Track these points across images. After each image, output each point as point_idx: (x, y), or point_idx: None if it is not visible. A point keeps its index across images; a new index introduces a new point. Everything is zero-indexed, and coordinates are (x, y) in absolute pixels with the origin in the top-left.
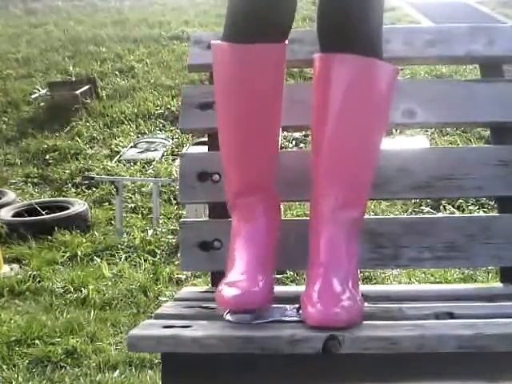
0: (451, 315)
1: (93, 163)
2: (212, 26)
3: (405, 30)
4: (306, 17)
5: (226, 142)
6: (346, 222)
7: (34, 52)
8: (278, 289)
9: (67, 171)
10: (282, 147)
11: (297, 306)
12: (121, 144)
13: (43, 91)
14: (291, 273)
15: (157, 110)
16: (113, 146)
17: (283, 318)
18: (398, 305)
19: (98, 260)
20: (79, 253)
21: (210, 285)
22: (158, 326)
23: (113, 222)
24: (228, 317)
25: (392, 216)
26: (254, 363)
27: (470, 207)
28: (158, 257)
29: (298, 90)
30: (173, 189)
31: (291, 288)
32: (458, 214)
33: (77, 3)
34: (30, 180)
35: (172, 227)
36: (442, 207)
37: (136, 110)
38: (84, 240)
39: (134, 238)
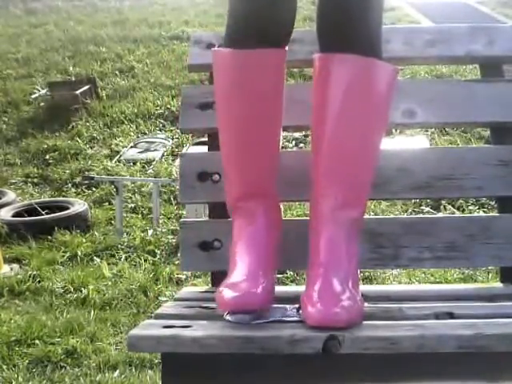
0: (451, 315)
1: (93, 163)
2: (212, 26)
3: (405, 30)
4: (306, 17)
5: (226, 144)
6: (345, 222)
7: (34, 52)
8: (278, 289)
9: (67, 171)
10: (282, 147)
11: (297, 306)
12: (121, 144)
13: (43, 91)
14: (291, 273)
15: (157, 109)
16: (113, 146)
17: (283, 318)
18: (397, 305)
19: (98, 260)
20: (79, 253)
21: (210, 285)
22: (158, 326)
23: (113, 222)
24: (228, 317)
25: (392, 216)
26: (254, 363)
27: (470, 207)
28: (158, 257)
29: (298, 89)
30: (173, 189)
31: (291, 288)
32: (458, 214)
33: (77, 3)
34: (30, 180)
35: (172, 227)
36: (442, 207)
37: (136, 110)
38: (84, 240)
39: (134, 238)
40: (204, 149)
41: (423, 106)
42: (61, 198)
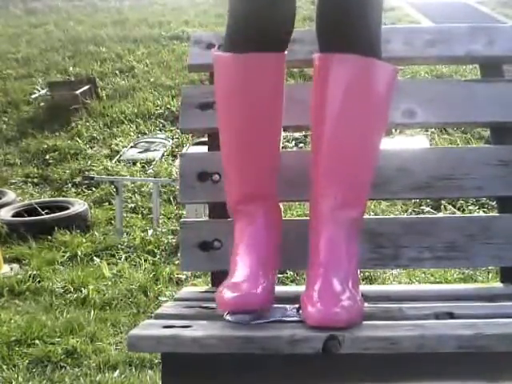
0: (451, 315)
1: (93, 163)
2: (212, 26)
3: (405, 30)
4: (305, 17)
5: (226, 144)
6: (345, 222)
7: (34, 52)
8: (278, 289)
9: (67, 171)
10: (282, 147)
11: (297, 306)
12: (121, 144)
13: (43, 91)
14: (291, 273)
15: (157, 109)
16: (113, 146)
17: (283, 318)
18: (397, 305)
19: (98, 260)
20: (79, 253)
21: (210, 285)
22: (158, 326)
23: (113, 221)
24: (228, 317)
25: (392, 216)
26: (254, 363)
27: (470, 207)
28: (158, 257)
29: (298, 89)
30: (173, 189)
31: (291, 288)
32: (458, 214)
33: (77, 3)
34: (30, 180)
35: (172, 227)
36: (442, 207)
37: (136, 110)
38: (84, 240)
39: (134, 238)
40: (204, 149)
41: (423, 106)
42: (61, 198)
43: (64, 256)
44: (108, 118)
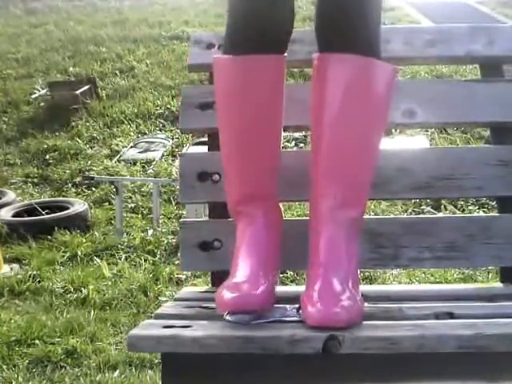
0: (451, 315)
1: (93, 163)
2: (212, 26)
3: (405, 30)
4: (305, 17)
5: (226, 144)
6: (345, 222)
7: (34, 52)
8: (278, 289)
9: (67, 171)
10: (282, 147)
11: (297, 306)
12: (121, 144)
13: (43, 91)
14: (291, 273)
15: (157, 109)
16: (113, 146)
17: (283, 318)
18: (397, 305)
19: (98, 260)
20: (79, 253)
21: (210, 285)
22: (158, 326)
23: (113, 221)
24: (227, 317)
25: (392, 216)
26: (254, 363)
27: (470, 207)
28: (158, 257)
29: (298, 89)
30: (173, 189)
31: (291, 288)
32: (458, 214)
33: (77, 3)
34: (30, 180)
35: (172, 227)
36: (442, 207)
37: (136, 110)
38: (84, 240)
39: (134, 238)
40: (204, 149)
41: (423, 106)
42: (61, 198)
43: (64, 256)
44: (108, 118)
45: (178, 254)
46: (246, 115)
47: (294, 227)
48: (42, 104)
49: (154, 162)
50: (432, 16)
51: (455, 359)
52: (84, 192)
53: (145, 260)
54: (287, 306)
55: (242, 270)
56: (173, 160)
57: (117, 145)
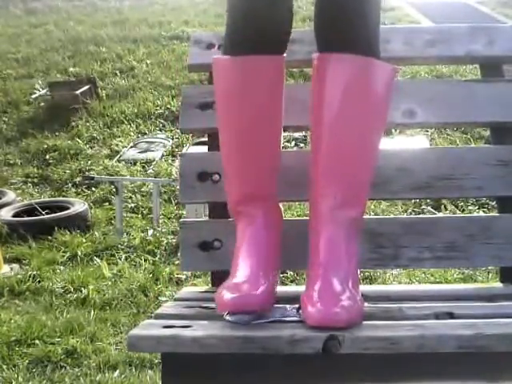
0: (451, 315)
1: (93, 163)
2: (212, 26)
3: (405, 30)
4: (305, 17)
5: (226, 145)
6: (345, 222)
7: (34, 52)
8: (278, 289)
9: (67, 171)
10: (282, 147)
11: (297, 306)
12: (121, 144)
13: (43, 91)
14: (291, 273)
15: (157, 109)
16: (113, 146)
17: (283, 318)
18: (397, 305)
19: (98, 260)
20: (79, 253)
21: (210, 285)
22: (158, 326)
23: (113, 221)
24: (227, 317)
25: (392, 216)
26: (254, 363)
27: (470, 207)
28: (158, 257)
29: (298, 89)
30: (173, 189)
31: (291, 288)
32: (458, 214)
33: (77, 3)
34: (30, 180)
35: (172, 227)
36: (442, 206)
37: (136, 110)
38: (84, 240)
39: (134, 238)
40: (204, 149)
41: (423, 106)
42: (61, 198)
43: (64, 256)
44: (108, 118)
45: (178, 254)
46: (245, 115)
47: (294, 227)
48: (42, 104)
49: (154, 162)
50: (432, 16)
51: (455, 359)
52: (84, 192)
53: (145, 260)
54: (287, 305)
55: (242, 270)
56: (173, 160)
57: (117, 145)
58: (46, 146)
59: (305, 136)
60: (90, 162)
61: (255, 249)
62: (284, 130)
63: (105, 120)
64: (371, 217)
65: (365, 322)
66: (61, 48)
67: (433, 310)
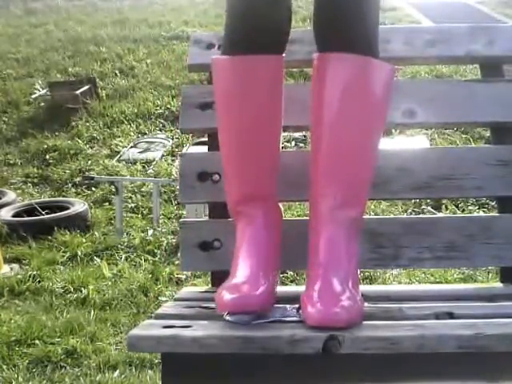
0: (451, 315)
1: (93, 163)
2: (212, 26)
3: (405, 30)
4: (305, 17)
5: (226, 145)
6: (345, 222)
7: (34, 52)
8: (278, 289)
9: (67, 171)
10: (282, 147)
11: (297, 306)
12: (121, 144)
13: (43, 91)
14: (291, 273)
15: (157, 109)
16: (113, 146)
17: (283, 318)
18: (397, 305)
19: (98, 260)
20: (79, 253)
21: (210, 285)
22: (158, 326)
23: (113, 221)
24: (227, 317)
25: (392, 216)
26: (254, 363)
27: (470, 207)
28: (158, 257)
29: (298, 89)
30: (173, 189)
31: (291, 288)
32: (458, 214)
33: (77, 3)
34: (29, 180)
35: (172, 227)
36: (443, 206)
37: (136, 110)
38: (84, 240)
39: (134, 238)
40: (204, 149)
41: (423, 106)
42: (61, 198)
43: (64, 256)
44: (108, 118)
45: (178, 254)
46: (245, 115)
47: (294, 227)
48: (42, 104)
49: (154, 162)
50: (432, 16)
51: (455, 359)
52: (84, 192)
53: (145, 260)
54: (287, 305)
55: (242, 270)
56: (173, 160)
57: (117, 145)
58: (45, 146)
59: (305, 136)
60: (89, 161)
61: (255, 249)
62: (284, 130)
63: (105, 120)
64: (371, 217)
65: (365, 322)
66: (61, 48)
67: (433, 310)
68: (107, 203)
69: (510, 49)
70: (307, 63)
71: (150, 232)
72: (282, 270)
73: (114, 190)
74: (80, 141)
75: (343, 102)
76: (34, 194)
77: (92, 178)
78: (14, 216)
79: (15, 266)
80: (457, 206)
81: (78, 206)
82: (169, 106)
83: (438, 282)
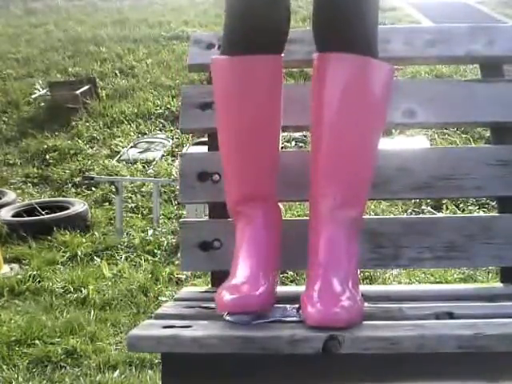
0: (451, 315)
1: (93, 163)
2: (212, 26)
3: (405, 30)
4: (305, 17)
5: (225, 145)
6: (345, 222)
7: (34, 52)
8: (278, 289)
9: (67, 171)
10: (281, 147)
11: (297, 306)
12: (121, 144)
13: (43, 91)
14: (291, 273)
15: (157, 109)
16: (113, 146)
17: (283, 318)
18: (397, 305)
19: (98, 260)
20: (79, 253)
21: (209, 285)
22: (158, 326)
23: (113, 221)
24: (227, 317)
25: (392, 216)
26: (254, 363)
27: (470, 207)
28: (158, 257)
29: (298, 89)
30: (173, 189)
31: (291, 288)
32: (458, 214)
33: (77, 3)
34: (29, 180)
35: (172, 227)
36: (443, 206)
37: (136, 110)
38: (84, 240)
39: (134, 238)
40: (204, 149)
41: (423, 106)
42: (61, 198)
43: (64, 256)
44: (108, 118)
45: (178, 254)
46: (244, 116)
47: (294, 227)
48: (42, 104)
49: (154, 162)
50: (432, 16)
51: (455, 359)
52: (84, 192)
53: (145, 260)
54: (287, 305)
55: (242, 270)
56: (173, 160)
57: (117, 145)
58: (45, 146)
59: (305, 136)
60: (89, 161)
61: (255, 249)
62: (283, 130)
63: (105, 120)
64: (371, 217)
65: (365, 322)
66: (61, 48)
67: (433, 310)
68: (107, 203)
69: (510, 49)
70: (307, 63)
71: (150, 232)
72: (282, 270)
73: (114, 189)
74: (80, 141)
75: (343, 101)
76: (34, 194)
77: (92, 178)
78: (13, 216)
79: (15, 266)
80: (457, 206)
81: (78, 206)
82: (169, 105)
83: (437, 282)
